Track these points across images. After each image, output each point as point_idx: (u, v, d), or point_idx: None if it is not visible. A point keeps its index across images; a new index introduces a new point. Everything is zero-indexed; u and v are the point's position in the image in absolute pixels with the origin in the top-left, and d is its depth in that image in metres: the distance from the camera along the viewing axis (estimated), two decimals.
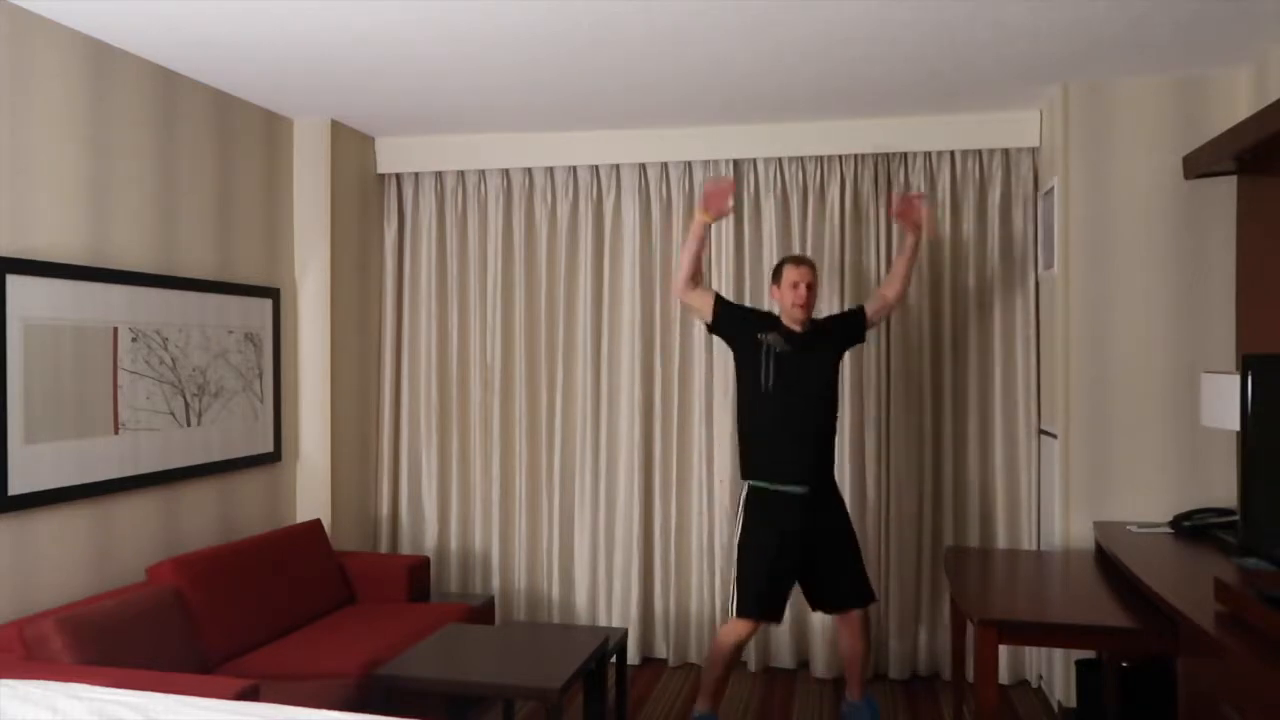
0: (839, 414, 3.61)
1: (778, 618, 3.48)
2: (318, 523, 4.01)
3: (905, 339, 4.28)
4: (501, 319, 4.66)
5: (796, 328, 3.50)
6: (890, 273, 3.76)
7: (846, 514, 3.57)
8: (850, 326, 3.66)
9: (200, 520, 3.73)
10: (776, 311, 3.58)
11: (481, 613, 4.00)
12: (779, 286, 3.52)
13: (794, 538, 3.42)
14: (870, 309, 3.68)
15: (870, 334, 4.24)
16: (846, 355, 3.86)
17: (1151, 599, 2.63)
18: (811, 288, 3.47)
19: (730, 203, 3.49)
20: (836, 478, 3.67)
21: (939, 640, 4.26)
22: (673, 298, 3.61)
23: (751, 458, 3.50)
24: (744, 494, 3.50)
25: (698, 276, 3.55)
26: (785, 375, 3.42)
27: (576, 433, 4.58)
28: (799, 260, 3.51)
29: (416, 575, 4.04)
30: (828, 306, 4.29)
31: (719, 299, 3.57)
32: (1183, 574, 2.76)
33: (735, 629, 3.45)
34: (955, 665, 3.58)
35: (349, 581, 4.02)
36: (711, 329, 3.61)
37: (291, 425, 4.29)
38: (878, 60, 3.44)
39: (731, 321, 3.56)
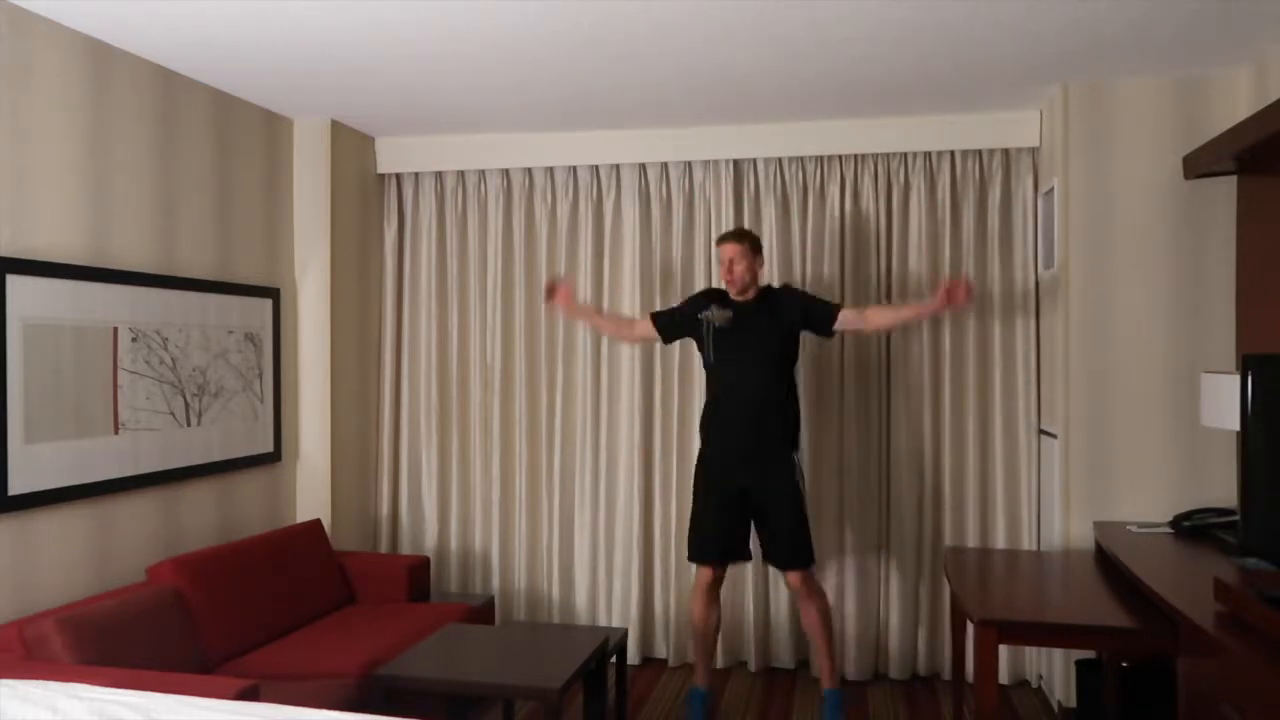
0: (795, 381, 3.73)
1: (719, 563, 3.73)
2: (317, 523, 4.01)
3: (905, 338, 4.28)
4: (501, 319, 4.66)
5: (740, 297, 3.64)
6: (893, 308, 3.64)
7: (793, 480, 3.62)
8: (815, 317, 3.65)
9: (200, 520, 3.73)
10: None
11: (481, 613, 4.01)
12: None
13: (735, 496, 3.63)
14: (845, 317, 3.62)
15: (872, 333, 4.27)
16: (844, 351, 4.04)
17: (1151, 599, 2.63)
18: (736, 261, 3.58)
19: (561, 290, 3.85)
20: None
21: (939, 640, 4.26)
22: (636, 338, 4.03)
23: (702, 423, 3.77)
24: (697, 456, 3.80)
25: (621, 322, 4.00)
26: (724, 347, 3.63)
27: (576, 433, 4.58)
28: (723, 238, 3.66)
29: (416, 575, 4.04)
30: None
31: (654, 318, 3.88)
32: (1183, 574, 2.76)
33: (696, 579, 3.78)
34: (955, 665, 3.58)
35: (349, 581, 4.02)
36: (669, 342, 3.96)
37: (291, 425, 4.29)
38: (878, 60, 3.44)
39: (675, 325, 3.84)
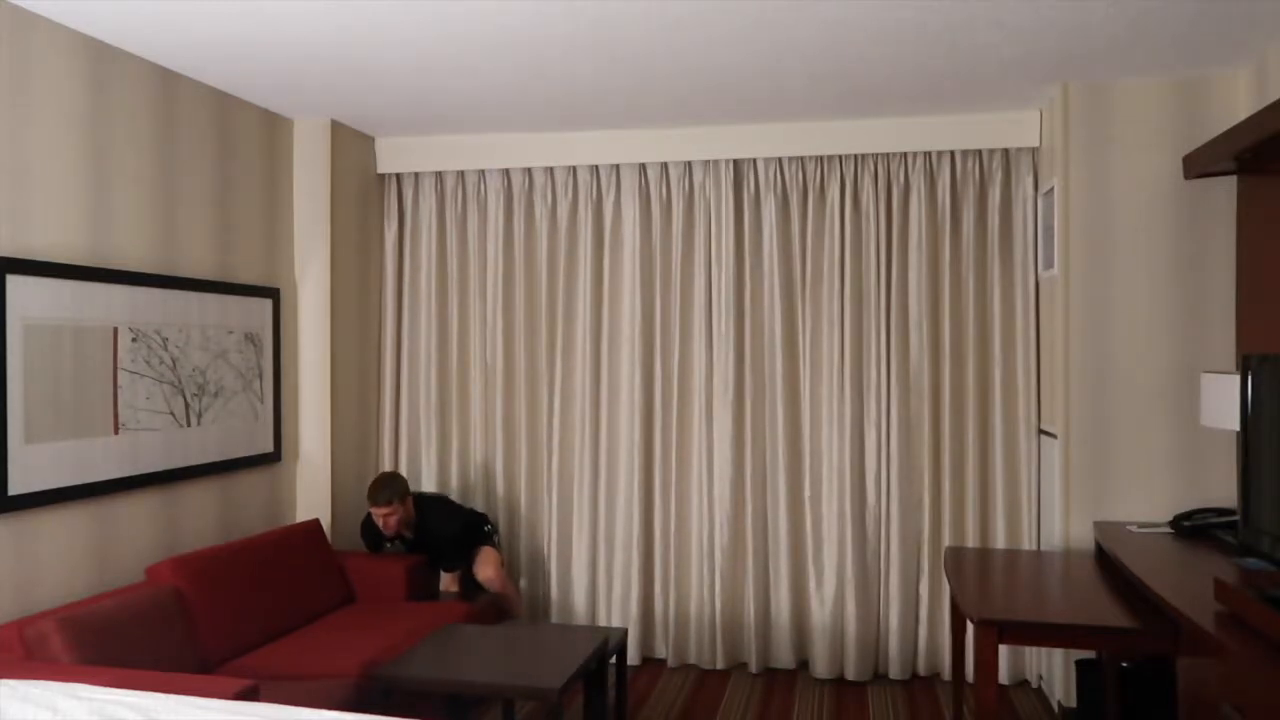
0: None
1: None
2: (316, 523, 4.02)
3: (905, 339, 4.28)
4: (501, 319, 4.66)
5: (407, 532, 4.20)
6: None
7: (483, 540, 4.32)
8: (450, 550, 4.20)
9: (200, 520, 3.72)
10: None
11: (482, 613, 4.01)
12: None
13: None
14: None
15: (870, 333, 4.27)
16: (843, 350, 4.14)
17: (1152, 599, 2.64)
18: (388, 517, 4.02)
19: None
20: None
21: (939, 640, 4.26)
22: None
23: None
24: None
25: None
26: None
27: (576, 433, 4.58)
28: (373, 499, 4.01)
29: (416, 575, 4.04)
30: (826, 308, 4.31)
31: (363, 535, 4.32)
32: (1183, 574, 2.76)
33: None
34: (955, 665, 3.58)
35: (348, 581, 4.02)
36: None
37: (291, 425, 4.29)
38: (878, 60, 3.44)
39: (372, 546, 4.31)
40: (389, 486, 4.02)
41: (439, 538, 4.17)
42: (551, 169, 4.60)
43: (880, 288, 4.28)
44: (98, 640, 2.71)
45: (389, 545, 4.33)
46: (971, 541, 4.21)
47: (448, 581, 4.26)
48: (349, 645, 3.35)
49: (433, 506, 4.23)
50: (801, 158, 4.36)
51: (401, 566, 4.01)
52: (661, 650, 4.52)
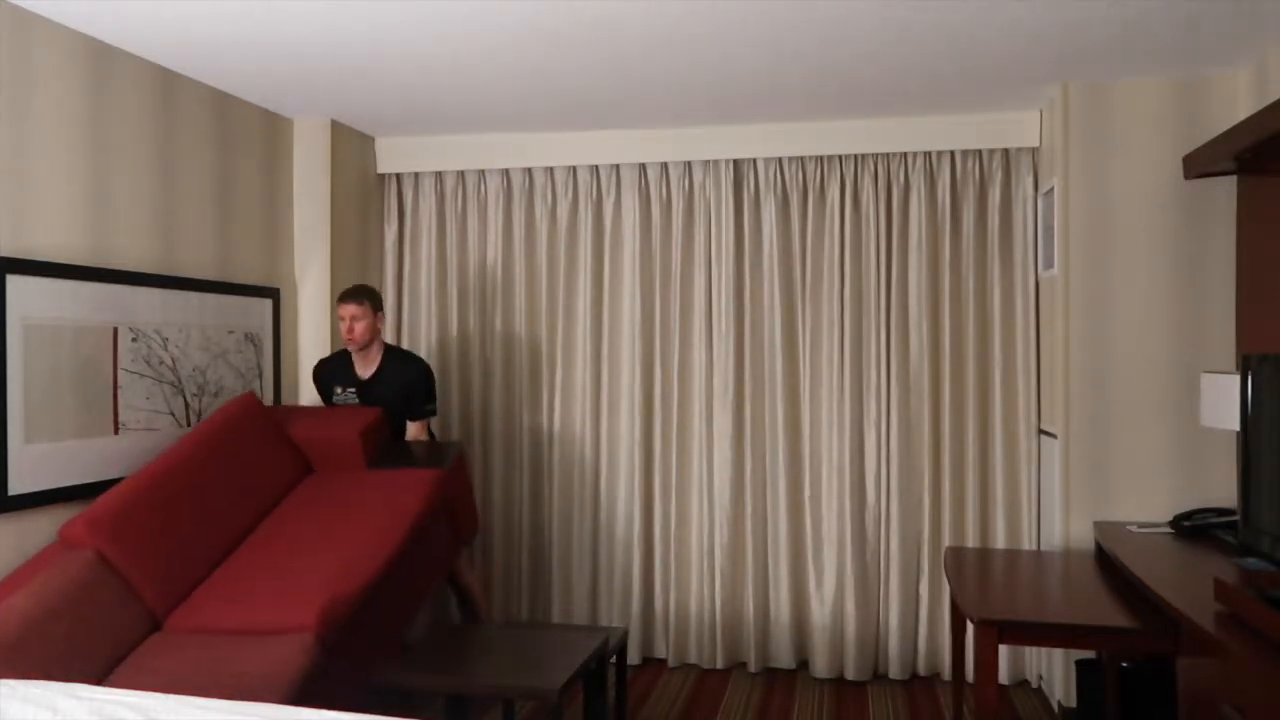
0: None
1: None
2: (250, 397, 3.59)
3: (905, 339, 4.28)
4: (501, 319, 4.66)
5: (365, 371, 3.90)
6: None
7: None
8: (410, 405, 3.91)
9: None
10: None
11: (451, 475, 3.61)
12: None
13: None
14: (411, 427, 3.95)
15: (870, 333, 4.27)
16: (843, 349, 4.15)
17: (1152, 599, 2.63)
18: (356, 320, 3.77)
19: None
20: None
21: (939, 640, 4.26)
22: None
23: None
24: None
25: None
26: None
27: (576, 432, 4.58)
28: (343, 297, 3.80)
29: (372, 438, 3.65)
30: (826, 308, 4.31)
31: (315, 381, 4.06)
32: (1183, 574, 2.76)
33: None
34: (955, 665, 3.58)
35: (300, 453, 3.65)
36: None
37: None
38: (878, 60, 3.44)
39: (324, 395, 4.04)
40: (364, 289, 3.80)
41: (397, 387, 3.85)
42: (551, 169, 4.60)
43: (880, 288, 4.28)
44: (21, 650, 2.41)
45: (338, 394, 3.91)
46: (971, 541, 4.21)
47: (415, 430, 3.92)
48: (309, 562, 3.00)
49: (406, 358, 3.95)
50: (801, 158, 4.36)
51: (355, 431, 3.59)
52: (661, 650, 4.52)
